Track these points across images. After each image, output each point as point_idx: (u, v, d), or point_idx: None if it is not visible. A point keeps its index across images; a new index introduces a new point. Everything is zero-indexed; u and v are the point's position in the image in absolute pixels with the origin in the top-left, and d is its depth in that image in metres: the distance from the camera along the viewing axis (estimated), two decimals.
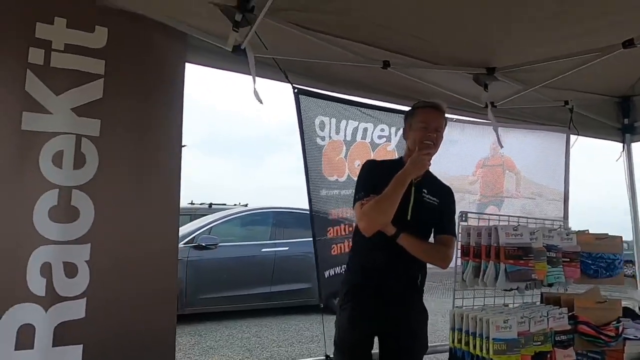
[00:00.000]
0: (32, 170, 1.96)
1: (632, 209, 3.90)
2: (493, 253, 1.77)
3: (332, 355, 2.19)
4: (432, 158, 2.07)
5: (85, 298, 2.01)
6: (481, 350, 1.59)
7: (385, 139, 3.25)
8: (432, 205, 2.11)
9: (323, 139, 2.80)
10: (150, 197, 2.21)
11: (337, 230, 2.98)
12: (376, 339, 2.10)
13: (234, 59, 2.37)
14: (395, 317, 2.02)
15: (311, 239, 2.91)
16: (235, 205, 11.44)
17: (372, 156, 3.14)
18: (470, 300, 1.96)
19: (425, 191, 2.11)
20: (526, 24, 2.40)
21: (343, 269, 2.52)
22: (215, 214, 8.19)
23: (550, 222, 2.40)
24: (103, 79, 2.11)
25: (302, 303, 7.11)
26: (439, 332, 4.96)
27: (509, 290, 1.79)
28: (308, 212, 2.93)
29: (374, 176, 2.09)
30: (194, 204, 11.20)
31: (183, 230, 7.49)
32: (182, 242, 6.89)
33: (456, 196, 3.74)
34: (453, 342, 1.74)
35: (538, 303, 2.11)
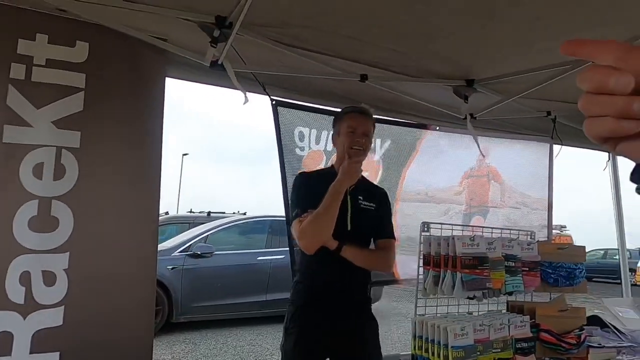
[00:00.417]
0: (13, 181, 2.01)
1: (616, 219, 3.92)
2: (450, 262, 1.81)
3: None
4: (363, 165, 1.99)
5: (63, 306, 2.05)
6: (439, 357, 1.63)
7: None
8: (370, 212, 2.06)
9: (302, 149, 2.81)
10: (130, 207, 2.26)
11: None
12: None
13: (214, 73, 2.42)
14: (347, 330, 1.96)
15: None
16: (234, 213, 11.51)
17: None
18: (433, 309, 1.99)
19: (361, 197, 2.05)
20: (504, 37, 2.43)
21: None
22: (213, 222, 8.25)
23: (525, 232, 2.43)
24: (84, 92, 2.16)
25: None
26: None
27: (472, 299, 1.83)
28: None
29: (309, 190, 2.01)
30: (192, 212, 11.28)
31: (179, 238, 7.56)
32: (178, 251, 6.95)
33: (442, 207, 3.77)
34: (415, 349, 1.78)
35: (504, 311, 2.14)
